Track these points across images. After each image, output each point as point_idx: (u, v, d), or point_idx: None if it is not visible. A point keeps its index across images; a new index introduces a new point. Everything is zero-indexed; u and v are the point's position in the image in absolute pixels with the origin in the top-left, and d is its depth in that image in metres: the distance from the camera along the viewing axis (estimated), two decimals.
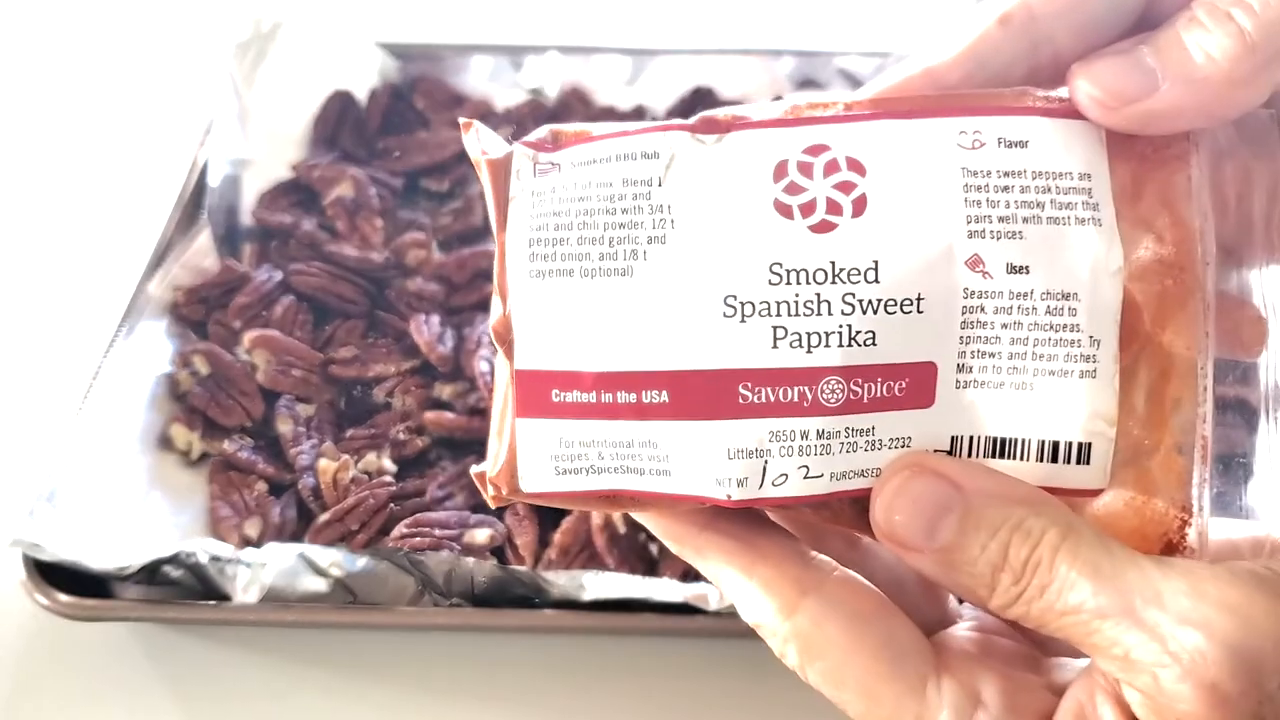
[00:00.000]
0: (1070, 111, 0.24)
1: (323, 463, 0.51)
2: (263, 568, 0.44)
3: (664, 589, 0.44)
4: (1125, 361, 0.24)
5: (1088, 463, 0.24)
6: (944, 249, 0.23)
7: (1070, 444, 0.24)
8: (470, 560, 0.44)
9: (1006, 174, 0.24)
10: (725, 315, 0.23)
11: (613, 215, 0.24)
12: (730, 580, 0.26)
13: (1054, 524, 0.23)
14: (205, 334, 0.55)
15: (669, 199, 0.24)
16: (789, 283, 0.23)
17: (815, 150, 0.24)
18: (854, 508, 0.25)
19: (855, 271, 0.23)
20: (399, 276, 0.58)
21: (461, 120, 0.26)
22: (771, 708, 0.45)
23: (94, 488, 0.47)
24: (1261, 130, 0.25)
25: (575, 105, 0.67)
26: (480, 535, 0.48)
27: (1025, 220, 0.23)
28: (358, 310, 0.57)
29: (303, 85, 0.65)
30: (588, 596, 0.43)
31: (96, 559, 0.43)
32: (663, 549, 0.48)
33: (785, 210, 0.24)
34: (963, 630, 0.27)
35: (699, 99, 0.66)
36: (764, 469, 0.24)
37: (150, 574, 0.43)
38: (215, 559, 0.44)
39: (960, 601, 0.29)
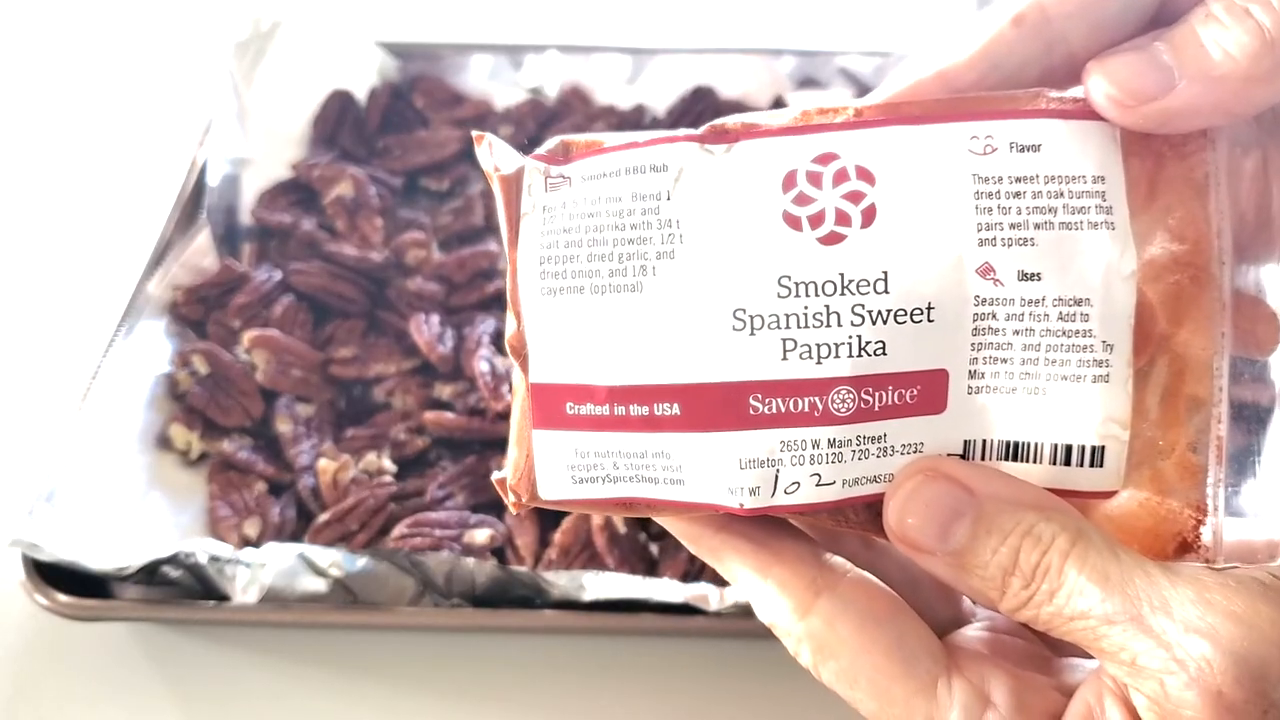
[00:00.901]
0: (1084, 112, 0.24)
1: (322, 463, 0.51)
2: (262, 568, 0.44)
3: (664, 589, 0.44)
4: (1139, 364, 0.24)
5: (1101, 465, 0.24)
6: (954, 258, 0.23)
7: (1083, 447, 0.24)
8: (470, 560, 0.44)
9: (1018, 179, 0.23)
10: (735, 329, 0.23)
11: (622, 231, 0.24)
12: (746, 581, 0.26)
13: (1064, 529, 0.23)
14: (205, 334, 0.55)
15: (677, 213, 0.24)
16: (798, 295, 0.23)
17: (824, 159, 0.24)
18: (867, 511, 0.25)
19: (864, 282, 0.23)
20: (399, 276, 0.58)
21: (474, 133, 0.26)
22: (771, 707, 0.45)
23: (93, 488, 0.47)
24: None
25: (575, 104, 0.67)
26: (480, 535, 0.48)
27: (1037, 226, 0.23)
28: (357, 310, 0.57)
29: (302, 84, 0.65)
30: (588, 597, 0.43)
31: (96, 559, 0.43)
32: (663, 549, 0.48)
33: (794, 222, 0.24)
34: (975, 630, 0.27)
35: (699, 98, 0.66)
36: (776, 478, 0.24)
37: (150, 574, 0.43)
38: (214, 559, 0.44)
39: (973, 601, 0.29)
